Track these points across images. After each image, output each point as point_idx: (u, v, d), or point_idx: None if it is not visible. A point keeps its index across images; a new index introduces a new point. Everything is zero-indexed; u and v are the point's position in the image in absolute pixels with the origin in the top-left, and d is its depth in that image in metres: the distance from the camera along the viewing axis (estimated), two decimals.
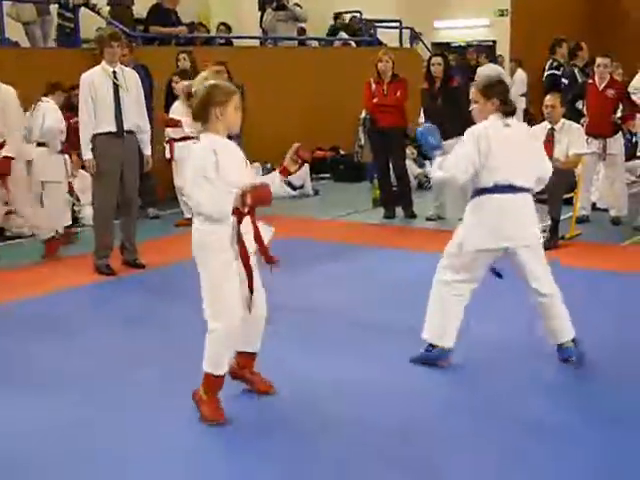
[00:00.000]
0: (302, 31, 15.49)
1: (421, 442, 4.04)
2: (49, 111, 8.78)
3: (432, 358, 4.94)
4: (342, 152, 13.33)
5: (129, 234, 7.62)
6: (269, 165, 11.88)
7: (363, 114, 10.14)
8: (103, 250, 7.43)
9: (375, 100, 9.61)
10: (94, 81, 7.27)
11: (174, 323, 5.88)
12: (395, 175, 9.96)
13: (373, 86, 9.64)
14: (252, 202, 4.00)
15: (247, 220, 4.12)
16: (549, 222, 8.15)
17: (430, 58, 9.41)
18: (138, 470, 3.84)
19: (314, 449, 4.00)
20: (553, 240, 8.00)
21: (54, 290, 6.90)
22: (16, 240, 9.04)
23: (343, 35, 15.97)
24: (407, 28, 16.48)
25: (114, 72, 7.30)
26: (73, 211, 9.91)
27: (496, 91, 4.81)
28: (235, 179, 4.05)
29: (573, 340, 4.91)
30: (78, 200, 9.92)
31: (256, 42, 14.73)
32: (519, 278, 4.86)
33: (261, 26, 14.83)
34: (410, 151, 10.69)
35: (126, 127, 7.34)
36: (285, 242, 8.37)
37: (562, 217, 8.25)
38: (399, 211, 9.95)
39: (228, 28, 14.25)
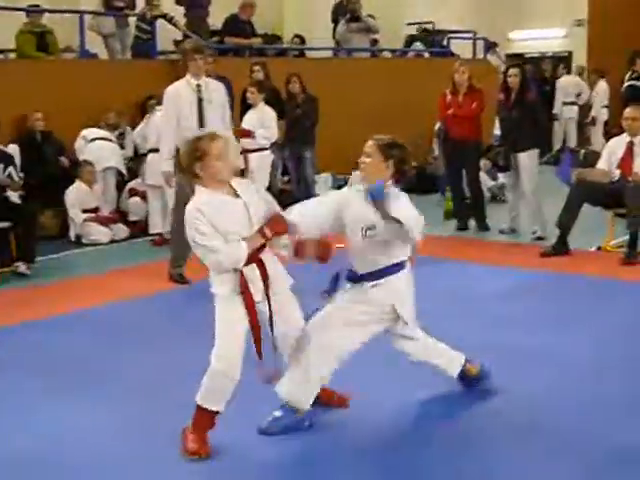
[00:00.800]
0: (374, 42, 15.48)
1: None
2: None
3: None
4: (414, 163, 13.26)
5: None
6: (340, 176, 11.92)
7: (437, 125, 10.08)
8: (179, 260, 7.42)
9: (450, 111, 9.53)
10: (179, 94, 7.30)
11: None
12: (468, 187, 9.86)
13: (448, 97, 9.55)
14: (271, 233, 3.99)
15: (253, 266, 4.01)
16: (627, 236, 7.98)
17: (507, 69, 9.30)
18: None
19: None
20: (632, 255, 7.83)
21: (126, 297, 7.00)
22: (92, 247, 9.23)
23: (418, 46, 15.90)
24: (481, 39, 16.35)
25: (198, 85, 7.31)
26: (147, 220, 10.08)
27: (394, 154, 4.33)
28: (233, 229, 3.98)
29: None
30: None
31: (329, 53, 14.77)
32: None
33: (334, 37, 14.87)
34: (484, 163, 10.57)
35: None
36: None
37: None
38: (472, 223, 9.86)
39: (302, 40, 14.34)
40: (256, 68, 10.47)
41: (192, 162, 4.03)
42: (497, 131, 9.06)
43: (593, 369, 5.14)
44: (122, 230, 9.80)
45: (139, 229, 9.97)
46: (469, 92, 9.49)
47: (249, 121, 9.61)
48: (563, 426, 4.29)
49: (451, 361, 4.65)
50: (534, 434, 4.20)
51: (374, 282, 4.28)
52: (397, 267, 4.34)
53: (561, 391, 4.78)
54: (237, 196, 4.08)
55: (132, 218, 10.10)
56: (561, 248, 8.17)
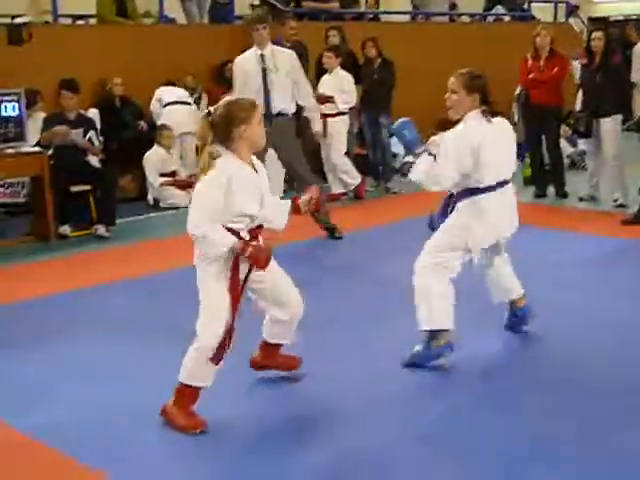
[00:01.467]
0: (453, 6, 15.24)
1: None
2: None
3: (433, 354, 4.65)
4: None
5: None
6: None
7: (518, 90, 9.87)
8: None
9: (531, 76, 9.34)
10: (244, 65, 7.36)
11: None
12: (548, 153, 9.68)
13: (530, 61, 9.36)
14: (249, 258, 3.88)
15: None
16: None
17: (590, 32, 9.06)
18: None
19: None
20: None
21: None
22: (170, 211, 9.34)
23: (499, 9, 15.57)
24: (563, 2, 15.95)
25: (262, 55, 7.32)
26: None
27: (478, 85, 4.64)
28: (243, 209, 3.92)
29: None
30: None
31: (407, 17, 14.59)
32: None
33: (412, 2, 14.69)
34: (564, 129, 10.35)
35: (276, 110, 7.31)
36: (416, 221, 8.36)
37: None
38: (550, 190, 9.68)
39: (377, 2, 14.17)
40: (332, 33, 10.40)
41: (232, 124, 3.87)
42: (579, 96, 8.83)
43: None
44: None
45: None
46: (551, 56, 9.28)
47: (326, 86, 9.59)
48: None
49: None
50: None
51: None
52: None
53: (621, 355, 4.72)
54: (256, 172, 4.04)
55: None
56: None
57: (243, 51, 7.64)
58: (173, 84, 10.30)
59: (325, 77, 9.63)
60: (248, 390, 4.46)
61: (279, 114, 7.36)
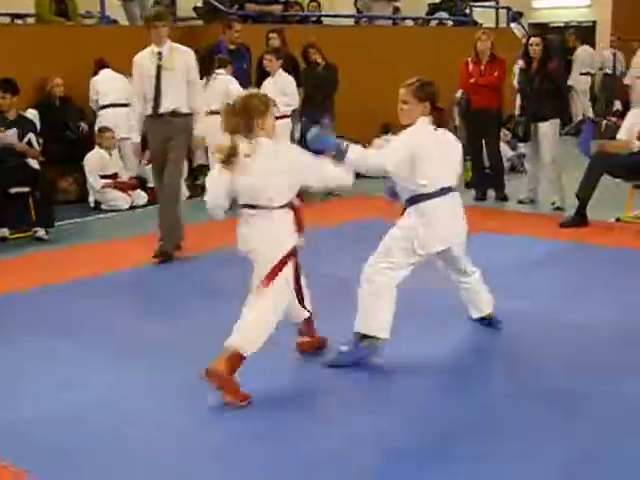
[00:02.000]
0: (396, 10, 15.34)
1: None
2: (232, 81, 9.50)
3: (360, 356, 4.71)
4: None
5: (162, 221, 7.29)
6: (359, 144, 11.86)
7: (459, 94, 9.98)
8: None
9: (472, 80, 9.46)
10: (141, 62, 7.18)
11: None
12: (488, 157, 9.81)
13: (470, 66, 9.47)
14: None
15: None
16: None
17: (529, 38, 9.20)
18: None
19: None
20: None
21: (143, 263, 7.04)
22: (111, 213, 9.27)
23: (442, 14, 15.73)
24: (504, 8, 16.16)
25: (159, 53, 7.11)
26: None
27: (428, 93, 4.78)
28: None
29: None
30: None
31: (351, 21, 14.66)
32: (444, 268, 5.09)
33: (355, 6, 14.76)
34: (504, 133, 10.50)
35: (167, 109, 7.10)
36: (366, 223, 8.41)
37: None
38: (490, 193, 9.82)
39: (318, 4, 14.21)
40: (272, 35, 10.41)
41: (255, 116, 4.23)
42: (518, 101, 8.96)
43: (611, 336, 5.15)
44: (141, 196, 9.82)
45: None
46: (491, 61, 9.42)
47: (268, 89, 9.55)
48: (565, 387, 4.33)
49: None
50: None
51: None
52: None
53: (577, 357, 4.82)
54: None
55: (151, 184, 10.09)
56: (580, 219, 8.14)
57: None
58: (107, 66, 10.11)
59: (267, 80, 9.62)
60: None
61: (174, 113, 7.12)
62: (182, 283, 6.58)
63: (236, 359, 4.21)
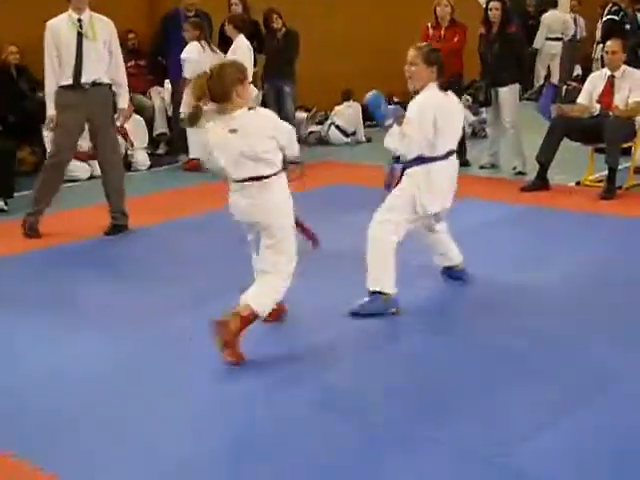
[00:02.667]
0: None
1: None
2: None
3: (378, 308, 4.93)
4: (396, 99, 13.16)
5: (112, 195, 7.14)
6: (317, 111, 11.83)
7: None
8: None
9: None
10: (57, 30, 6.77)
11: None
12: None
13: (430, 31, 9.46)
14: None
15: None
16: (606, 171, 8.00)
17: (488, 2, 9.17)
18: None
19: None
20: (610, 190, 7.86)
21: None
22: (71, 183, 9.17)
23: None
24: None
25: (79, 20, 6.76)
26: (126, 155, 10.00)
27: (436, 57, 4.94)
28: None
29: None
30: (132, 145, 10.00)
31: None
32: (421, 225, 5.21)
33: None
34: (465, 98, 10.51)
35: (89, 79, 6.80)
36: (334, 188, 8.40)
37: (620, 167, 8.07)
38: None
39: None
40: (234, 1, 10.31)
41: (234, 84, 4.23)
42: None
43: (569, 298, 5.25)
44: None
45: None
46: (451, 26, 9.40)
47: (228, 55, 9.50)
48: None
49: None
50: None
51: None
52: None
53: (531, 316, 4.89)
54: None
55: None
56: (541, 183, 8.20)
57: None
58: None
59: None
60: None
61: (94, 83, 6.84)
62: (142, 251, 6.57)
63: (249, 319, 4.30)
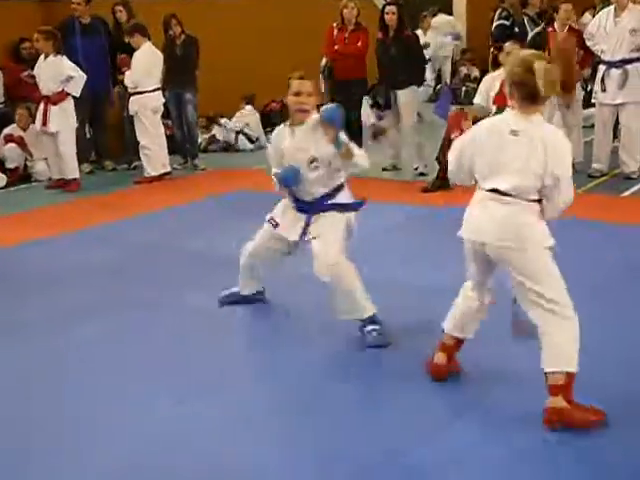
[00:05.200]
0: None
1: None
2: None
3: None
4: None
5: None
6: (224, 120, 11.79)
7: (324, 62, 10.00)
8: None
9: (336, 47, 9.54)
10: None
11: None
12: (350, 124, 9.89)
13: (335, 32, 9.53)
14: None
15: None
16: None
17: (384, 7, 9.29)
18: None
19: None
20: None
21: (7, 244, 6.87)
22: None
23: None
24: None
25: None
26: (25, 166, 9.83)
27: None
28: None
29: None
30: (31, 155, 9.81)
31: None
32: None
33: None
34: (367, 101, 10.61)
35: None
36: (245, 194, 8.42)
37: None
38: None
39: None
40: (118, 9, 10.25)
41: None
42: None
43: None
44: (1, 178, 9.53)
45: (18, 176, 9.73)
46: (356, 30, 9.49)
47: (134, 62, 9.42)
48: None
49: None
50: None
51: None
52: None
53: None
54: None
55: (9, 165, 9.78)
56: (441, 183, 8.32)
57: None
58: None
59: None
60: None
61: None
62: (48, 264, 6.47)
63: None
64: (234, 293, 5.32)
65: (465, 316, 4.11)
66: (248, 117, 11.78)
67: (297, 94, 4.69)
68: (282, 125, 4.94)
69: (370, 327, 4.70)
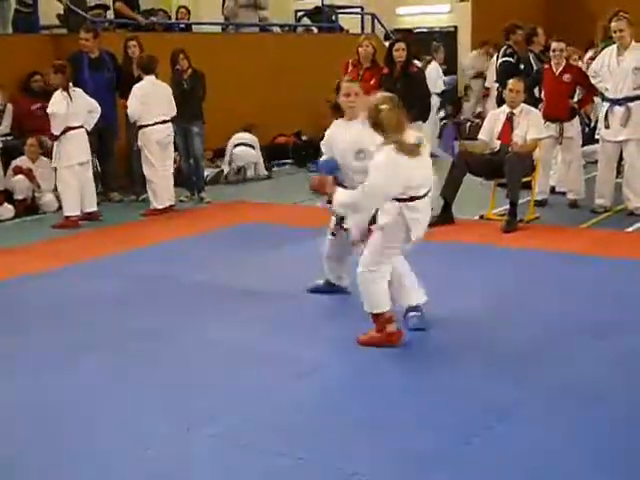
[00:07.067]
0: (263, 18, 15.41)
1: None
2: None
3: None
4: (305, 137, 13.32)
5: None
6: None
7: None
8: None
9: None
10: None
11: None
12: None
13: (350, 67, 9.57)
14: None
15: None
16: (508, 205, 8.26)
17: (393, 43, 9.37)
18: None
19: None
20: (512, 223, 8.12)
21: (13, 275, 6.92)
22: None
23: (306, 21, 15.93)
24: (369, 14, 16.47)
25: None
26: (33, 198, 9.90)
27: None
28: None
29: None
30: (39, 187, 9.88)
31: (217, 29, 14.66)
32: None
33: (223, 13, 14.75)
34: None
35: None
36: (245, 226, 8.48)
37: (521, 200, 8.35)
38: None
39: (188, 11, 14.17)
40: (131, 44, 10.39)
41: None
42: None
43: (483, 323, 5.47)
44: (7, 210, 9.59)
45: (25, 208, 9.80)
46: (371, 67, 9.50)
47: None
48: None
49: None
50: None
51: None
52: None
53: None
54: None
55: (18, 197, 9.85)
56: (446, 217, 8.38)
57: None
58: None
59: None
60: None
61: None
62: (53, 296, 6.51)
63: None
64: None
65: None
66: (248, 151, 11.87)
67: (347, 95, 5.61)
68: (339, 119, 5.77)
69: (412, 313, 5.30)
